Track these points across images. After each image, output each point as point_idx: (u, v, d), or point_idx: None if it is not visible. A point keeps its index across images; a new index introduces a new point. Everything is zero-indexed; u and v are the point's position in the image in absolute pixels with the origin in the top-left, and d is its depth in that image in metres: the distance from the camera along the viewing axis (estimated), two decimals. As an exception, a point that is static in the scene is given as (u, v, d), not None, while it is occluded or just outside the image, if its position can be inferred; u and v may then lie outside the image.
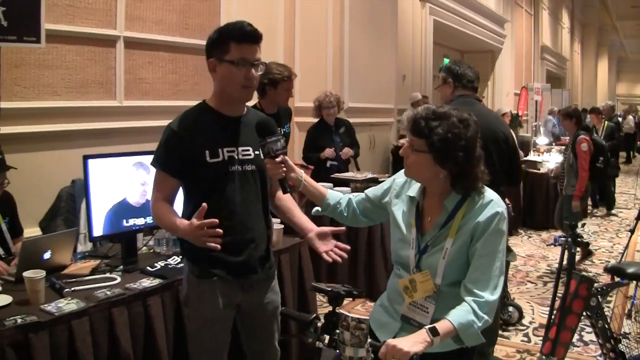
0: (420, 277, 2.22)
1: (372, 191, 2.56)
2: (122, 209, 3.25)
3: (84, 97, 4.64)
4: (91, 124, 4.67)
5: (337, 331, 1.96)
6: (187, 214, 2.58)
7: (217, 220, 2.34)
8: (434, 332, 1.99)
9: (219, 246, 2.36)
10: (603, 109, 11.45)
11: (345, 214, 2.59)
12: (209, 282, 2.59)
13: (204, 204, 2.36)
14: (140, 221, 3.34)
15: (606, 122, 10.41)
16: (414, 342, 1.95)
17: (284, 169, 2.44)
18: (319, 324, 2.07)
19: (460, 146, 2.12)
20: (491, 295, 2.11)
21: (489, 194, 2.24)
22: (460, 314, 2.06)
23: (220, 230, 2.34)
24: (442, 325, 2.02)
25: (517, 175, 4.12)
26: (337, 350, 1.94)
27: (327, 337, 2.04)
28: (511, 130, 3.99)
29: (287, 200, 2.86)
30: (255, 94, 3.35)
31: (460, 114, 2.18)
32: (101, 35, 4.71)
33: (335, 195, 2.61)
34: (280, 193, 2.78)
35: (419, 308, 2.25)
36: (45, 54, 4.30)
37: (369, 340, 1.93)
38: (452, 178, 2.19)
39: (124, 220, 3.27)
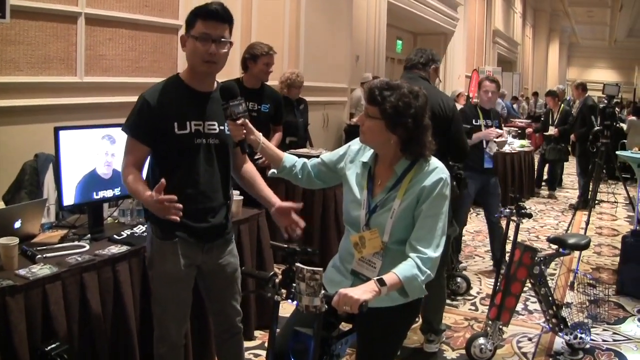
0: (369, 234, 2.43)
1: (328, 156, 2.75)
2: (92, 180, 3.36)
3: (45, 72, 4.67)
4: (52, 99, 4.70)
5: (294, 284, 2.15)
6: (153, 180, 2.73)
7: (175, 197, 2.49)
8: (381, 282, 2.19)
9: (178, 219, 2.51)
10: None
11: (300, 176, 2.77)
12: (171, 243, 2.75)
13: (163, 181, 2.50)
14: (108, 193, 3.45)
15: (562, 105, 10.40)
16: (363, 290, 2.15)
17: (244, 131, 2.61)
18: (277, 280, 2.26)
19: (410, 114, 2.33)
20: (434, 253, 2.31)
21: (435, 161, 2.46)
22: (405, 268, 2.26)
23: (180, 205, 2.50)
24: (389, 277, 2.22)
25: (461, 151, 4.11)
26: (295, 301, 2.13)
27: (284, 292, 2.23)
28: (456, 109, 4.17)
29: (251, 172, 3.03)
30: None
31: (411, 87, 2.40)
32: (63, 12, 4.73)
33: (291, 158, 2.79)
34: (245, 166, 3.00)
35: (367, 263, 2.45)
36: (8, 29, 4.31)
37: (323, 291, 2.13)
38: (402, 143, 2.39)
39: (94, 193, 3.38)
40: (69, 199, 3.26)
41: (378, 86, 2.38)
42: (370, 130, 2.41)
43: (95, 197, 3.38)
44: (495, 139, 5.73)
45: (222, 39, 2.67)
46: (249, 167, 3.05)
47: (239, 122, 2.59)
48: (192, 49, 2.67)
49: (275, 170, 2.79)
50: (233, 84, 2.70)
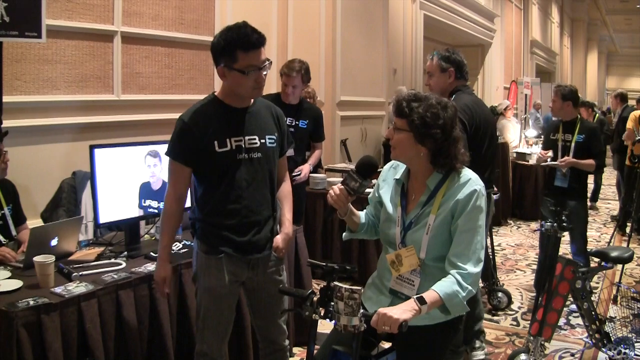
0: (406, 252, 2.37)
1: (371, 193, 2.70)
2: (145, 191, 3.44)
3: (83, 91, 4.72)
4: (90, 117, 4.74)
5: (332, 303, 2.10)
6: (197, 196, 2.79)
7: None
8: (421, 301, 2.13)
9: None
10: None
11: (372, 230, 2.71)
12: (215, 258, 2.74)
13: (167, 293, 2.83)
14: (160, 205, 3.50)
15: (597, 114, 10.17)
16: (403, 310, 2.09)
17: (345, 204, 2.49)
18: (315, 298, 2.21)
19: (438, 125, 2.28)
20: (474, 268, 2.25)
21: (468, 173, 2.40)
22: (446, 285, 2.20)
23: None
24: (429, 295, 2.16)
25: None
26: (333, 321, 2.08)
27: (322, 310, 2.18)
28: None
29: (284, 192, 3.02)
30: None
31: (440, 98, 2.35)
32: (99, 31, 4.78)
33: (364, 217, 2.69)
34: (283, 185, 3.03)
35: (405, 281, 2.39)
36: (45, 49, 4.37)
37: (362, 310, 2.07)
38: (431, 156, 2.34)
39: (142, 200, 3.44)
40: (105, 217, 3.27)
41: (406, 98, 2.35)
42: (398, 143, 2.37)
43: (143, 204, 3.47)
44: (547, 163, 5.22)
45: (266, 63, 2.68)
46: (286, 187, 3.05)
47: (351, 197, 2.46)
48: (238, 82, 2.67)
49: (352, 232, 2.70)
50: (376, 163, 2.58)
